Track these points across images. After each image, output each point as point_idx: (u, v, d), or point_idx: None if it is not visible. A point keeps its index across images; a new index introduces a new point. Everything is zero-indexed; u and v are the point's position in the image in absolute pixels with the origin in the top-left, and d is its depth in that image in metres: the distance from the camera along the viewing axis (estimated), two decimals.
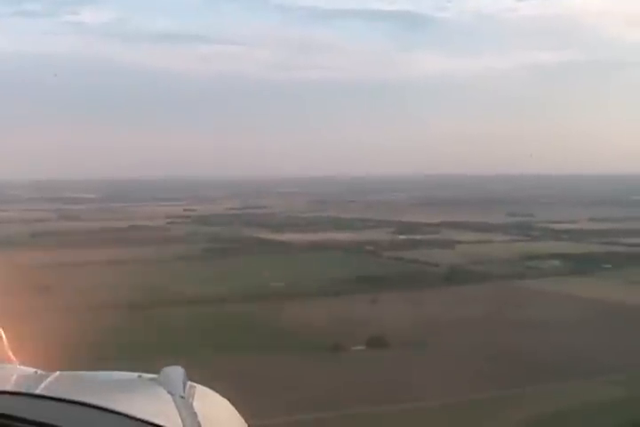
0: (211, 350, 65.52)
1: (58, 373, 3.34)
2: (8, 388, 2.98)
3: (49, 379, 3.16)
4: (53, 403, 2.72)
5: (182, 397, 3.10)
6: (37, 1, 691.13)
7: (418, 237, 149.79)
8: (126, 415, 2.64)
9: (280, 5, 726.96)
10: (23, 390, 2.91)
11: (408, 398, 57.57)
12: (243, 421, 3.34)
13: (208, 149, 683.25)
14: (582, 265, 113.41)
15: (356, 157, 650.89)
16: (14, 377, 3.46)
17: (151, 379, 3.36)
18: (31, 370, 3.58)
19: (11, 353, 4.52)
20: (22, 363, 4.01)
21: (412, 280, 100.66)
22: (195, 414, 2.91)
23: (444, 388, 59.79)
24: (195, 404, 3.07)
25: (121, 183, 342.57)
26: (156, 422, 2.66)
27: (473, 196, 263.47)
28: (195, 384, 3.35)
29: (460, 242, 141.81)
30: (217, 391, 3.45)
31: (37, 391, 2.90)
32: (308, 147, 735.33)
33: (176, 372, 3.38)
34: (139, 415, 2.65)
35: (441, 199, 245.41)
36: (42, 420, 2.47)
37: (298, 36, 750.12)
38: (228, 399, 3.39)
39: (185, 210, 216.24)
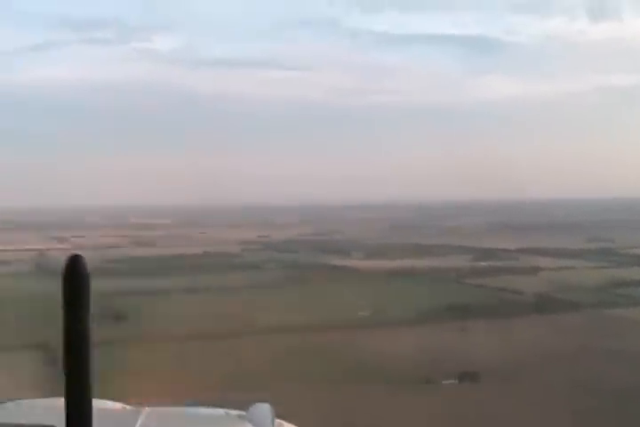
0: (310, 384, 64.28)
1: (147, 408, 3.26)
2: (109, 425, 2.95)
3: (142, 415, 3.15)
4: None
5: None
6: (109, 28, 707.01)
7: (498, 263, 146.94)
8: None
9: (350, 30, 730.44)
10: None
11: None
12: None
13: (273, 175, 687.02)
14: None
15: (427, 181, 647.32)
16: (109, 414, 3.29)
17: (239, 416, 3.38)
18: (119, 405, 3.53)
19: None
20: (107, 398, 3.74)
21: (498, 309, 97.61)
22: None
23: None
24: None
25: (194, 209, 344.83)
26: None
27: (549, 220, 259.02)
28: (282, 422, 3.34)
29: (541, 268, 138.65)
30: None
31: None
32: (377, 170, 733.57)
33: (263, 409, 3.38)
34: None
35: (516, 224, 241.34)
36: None
37: (367, 60, 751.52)
38: None
39: (259, 236, 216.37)
